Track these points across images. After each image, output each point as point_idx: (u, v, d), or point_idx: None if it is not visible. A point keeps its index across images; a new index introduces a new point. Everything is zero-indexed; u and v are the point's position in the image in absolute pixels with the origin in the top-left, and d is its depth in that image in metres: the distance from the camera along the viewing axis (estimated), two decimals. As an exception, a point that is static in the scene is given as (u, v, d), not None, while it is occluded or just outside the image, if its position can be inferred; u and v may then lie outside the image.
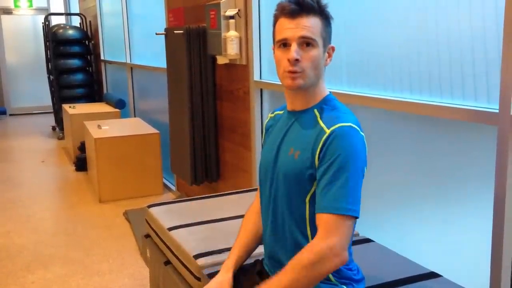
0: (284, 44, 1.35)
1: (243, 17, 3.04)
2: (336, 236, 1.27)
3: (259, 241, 1.62)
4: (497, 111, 1.59)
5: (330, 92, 1.46)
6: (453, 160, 1.91)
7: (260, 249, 1.64)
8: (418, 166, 2.07)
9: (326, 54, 1.39)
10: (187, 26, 3.47)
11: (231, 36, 3.04)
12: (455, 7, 1.77)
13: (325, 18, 1.37)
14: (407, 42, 1.99)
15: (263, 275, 1.56)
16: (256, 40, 3.00)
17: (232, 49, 3.05)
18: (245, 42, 3.06)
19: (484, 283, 1.72)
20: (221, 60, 3.30)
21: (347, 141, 1.29)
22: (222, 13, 3.09)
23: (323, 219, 1.29)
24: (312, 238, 1.39)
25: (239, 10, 3.04)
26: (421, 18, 1.91)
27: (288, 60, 1.33)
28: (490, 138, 1.68)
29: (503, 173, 1.58)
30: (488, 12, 1.65)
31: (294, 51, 1.32)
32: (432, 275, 1.77)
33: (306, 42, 1.33)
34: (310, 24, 1.33)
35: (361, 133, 1.34)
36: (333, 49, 1.42)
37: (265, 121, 1.62)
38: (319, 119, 1.37)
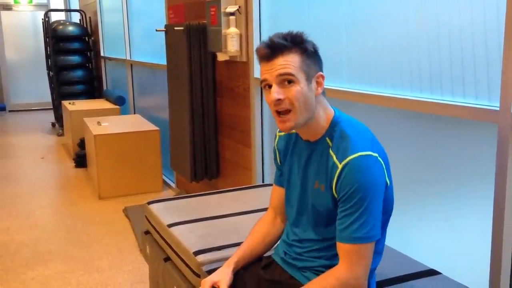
0: (268, 86, 1.35)
1: (244, 14, 3.03)
2: (360, 266, 1.32)
3: (266, 248, 1.64)
4: (498, 108, 1.59)
5: (335, 110, 1.43)
6: (454, 157, 1.90)
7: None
8: (418, 163, 2.07)
9: (315, 84, 1.36)
10: (187, 23, 3.46)
11: (232, 33, 3.03)
12: (456, 4, 1.76)
13: (304, 51, 1.34)
14: (407, 40, 1.99)
15: (268, 269, 1.58)
16: (256, 37, 2.99)
17: (232, 46, 3.04)
18: (245, 39, 3.05)
19: (483, 280, 1.72)
20: (221, 57, 3.30)
21: (360, 173, 1.29)
22: (222, 10, 3.08)
23: (344, 249, 1.33)
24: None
25: (239, 7, 3.03)
26: (422, 16, 1.91)
27: (272, 101, 1.34)
28: (490, 136, 1.68)
29: (503, 170, 1.57)
30: (489, 9, 1.65)
31: (274, 92, 1.33)
32: (432, 272, 1.77)
33: (287, 80, 1.32)
34: (286, 62, 1.32)
35: (374, 154, 1.32)
36: (322, 77, 1.38)
37: (275, 140, 1.60)
38: (330, 150, 1.37)
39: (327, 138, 1.39)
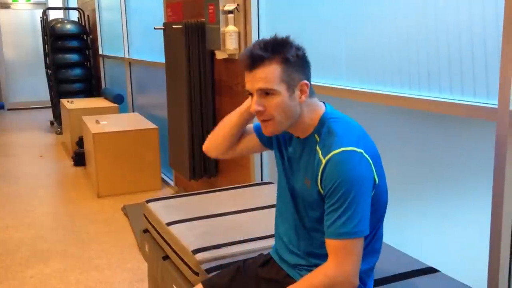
0: (250, 94, 1.38)
1: (242, 12, 3.03)
2: (349, 262, 1.30)
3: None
4: (496, 106, 1.59)
5: (326, 106, 1.43)
6: (452, 155, 1.91)
7: (263, 244, 1.66)
8: (417, 161, 2.07)
9: (298, 93, 1.36)
10: (186, 21, 3.46)
11: (230, 31, 3.03)
12: (455, 2, 1.76)
13: (285, 61, 1.33)
14: (406, 38, 1.99)
15: (265, 267, 1.59)
16: (255, 34, 2.99)
17: (230, 44, 3.04)
18: (244, 37, 3.05)
19: (482, 278, 1.72)
20: (220, 55, 3.29)
21: (343, 168, 1.29)
22: (221, 8, 3.08)
23: (332, 245, 1.32)
24: None
25: (238, 5, 3.03)
26: (421, 14, 1.91)
27: (253, 112, 1.38)
28: (489, 134, 1.68)
29: (501, 168, 1.57)
30: (488, 7, 1.65)
31: (255, 103, 1.36)
32: (430, 270, 1.78)
33: (265, 92, 1.34)
34: (265, 75, 1.32)
35: (358, 150, 1.32)
36: (306, 85, 1.37)
37: None
38: (317, 146, 1.38)
39: (315, 135, 1.40)
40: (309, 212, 1.44)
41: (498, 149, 1.58)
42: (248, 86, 1.37)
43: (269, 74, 1.32)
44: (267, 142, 1.61)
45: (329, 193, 1.32)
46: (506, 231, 1.60)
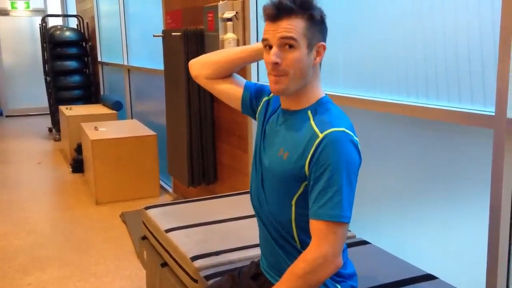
0: (269, 46, 1.35)
1: (241, 20, 3.04)
2: (329, 243, 1.26)
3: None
4: (493, 113, 1.60)
5: (326, 94, 1.43)
6: (449, 162, 1.91)
7: (256, 251, 1.66)
8: (415, 169, 2.08)
9: (314, 53, 1.34)
10: (185, 28, 3.47)
11: (229, 38, 3.05)
12: (452, 10, 1.78)
13: (310, 18, 1.31)
14: (403, 45, 2.00)
15: (257, 280, 1.58)
16: (253, 42, 3.00)
17: (229, 52, 3.05)
18: (242, 44, 3.06)
19: (480, 285, 1.72)
20: (218, 62, 3.30)
21: (340, 147, 1.27)
22: (219, 16, 3.09)
23: (317, 226, 1.28)
24: (299, 239, 1.40)
25: (236, 13, 3.05)
26: (418, 21, 1.92)
27: (269, 63, 1.34)
28: (486, 141, 1.69)
29: (499, 176, 1.58)
30: (485, 15, 1.66)
31: (273, 54, 1.32)
32: (429, 277, 1.78)
33: (288, 44, 1.31)
34: (291, 27, 1.30)
35: (355, 138, 1.32)
36: (323, 47, 1.36)
37: (270, 96, 1.57)
38: (312, 121, 1.35)
39: (309, 111, 1.37)
40: (274, 193, 1.40)
41: (496, 156, 1.59)
42: (269, 36, 1.33)
43: (294, 26, 1.30)
44: (248, 103, 1.58)
45: (322, 170, 1.27)
46: (503, 238, 1.61)
